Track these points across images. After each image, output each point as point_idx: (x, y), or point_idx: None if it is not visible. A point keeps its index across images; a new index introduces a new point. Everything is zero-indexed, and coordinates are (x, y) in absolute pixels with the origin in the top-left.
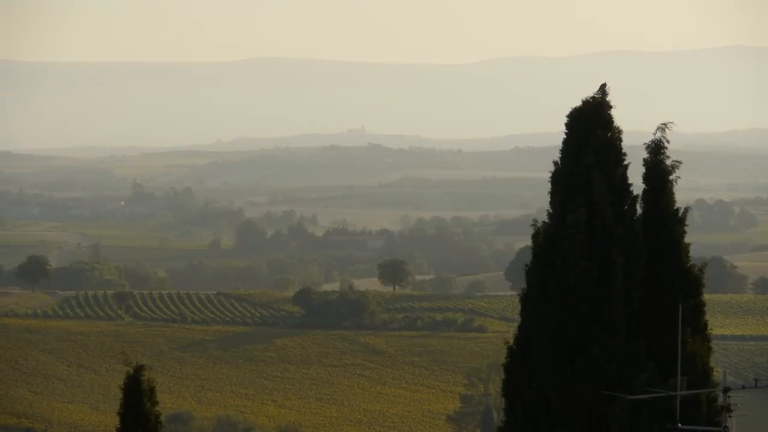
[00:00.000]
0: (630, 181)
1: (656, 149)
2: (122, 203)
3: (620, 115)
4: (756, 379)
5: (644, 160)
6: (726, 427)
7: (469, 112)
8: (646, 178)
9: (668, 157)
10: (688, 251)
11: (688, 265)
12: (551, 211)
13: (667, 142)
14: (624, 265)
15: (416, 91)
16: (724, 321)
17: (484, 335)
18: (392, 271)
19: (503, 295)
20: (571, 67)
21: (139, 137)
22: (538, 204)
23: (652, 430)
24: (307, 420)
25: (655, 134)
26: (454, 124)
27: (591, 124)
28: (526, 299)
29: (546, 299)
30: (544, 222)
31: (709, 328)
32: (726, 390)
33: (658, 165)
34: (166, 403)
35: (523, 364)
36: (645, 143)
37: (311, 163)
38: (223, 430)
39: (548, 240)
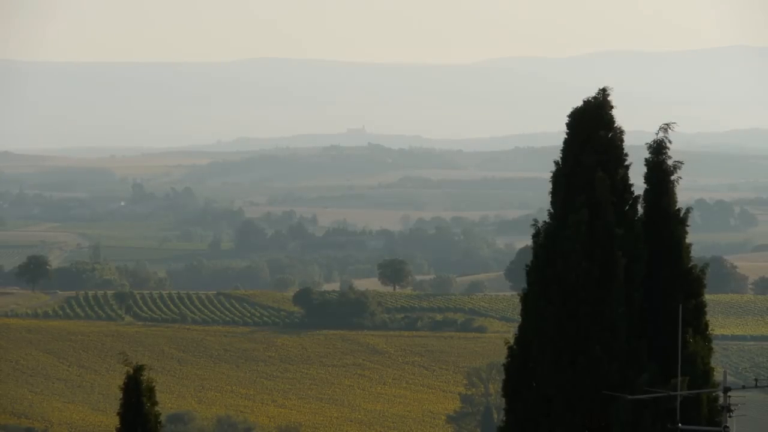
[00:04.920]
0: (631, 182)
1: (658, 149)
2: (122, 203)
3: (620, 115)
4: (756, 379)
5: (646, 160)
6: (726, 427)
7: (469, 112)
8: (648, 178)
9: (670, 158)
10: (689, 252)
11: (690, 265)
12: (552, 211)
13: (670, 142)
14: (625, 265)
15: (416, 91)
16: (725, 321)
17: (484, 335)
18: (392, 271)
19: (503, 295)
20: (571, 67)
21: (139, 137)
22: (539, 204)
23: (653, 430)
24: (307, 420)
25: (657, 134)
26: (454, 124)
27: (592, 124)
28: (526, 299)
29: (547, 299)
30: (544, 222)
31: (710, 329)
32: (726, 390)
33: (660, 165)
34: (167, 403)
35: (523, 364)
36: (647, 143)
37: (311, 163)
38: (223, 430)
39: (549, 240)
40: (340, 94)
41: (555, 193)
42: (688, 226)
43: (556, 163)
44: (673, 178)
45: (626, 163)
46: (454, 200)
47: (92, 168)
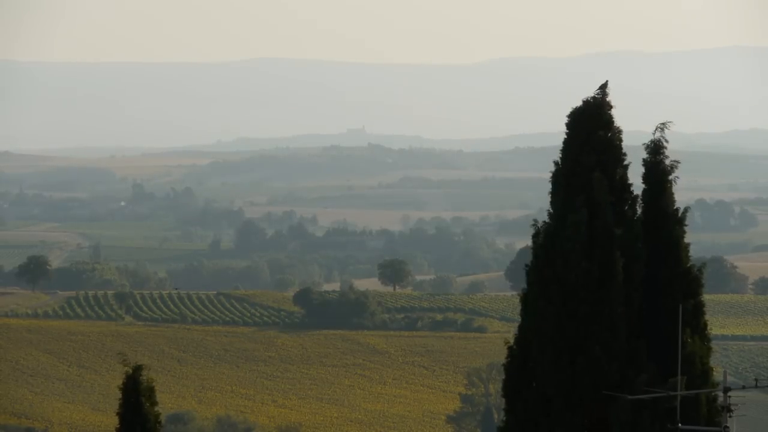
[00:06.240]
0: (630, 181)
1: (655, 149)
2: (122, 203)
3: (620, 115)
4: (756, 379)
5: (643, 160)
6: (726, 427)
7: (469, 112)
8: (646, 178)
9: (667, 157)
10: (687, 251)
11: (688, 265)
12: (552, 211)
13: (666, 141)
14: (624, 265)
15: (416, 91)
16: (725, 321)
17: (484, 335)
18: (392, 271)
19: (503, 295)
20: (571, 67)
21: (139, 137)
22: (539, 204)
23: (653, 430)
24: (307, 420)
25: (654, 134)
26: (454, 124)
27: (591, 124)
28: (526, 299)
29: (546, 299)
30: (544, 222)
31: (708, 329)
32: (726, 390)
33: (658, 165)
34: (167, 403)
35: (523, 364)
36: (644, 143)
37: (311, 163)
38: (224, 430)
39: (549, 240)
40: (340, 94)
41: (555, 193)
42: (686, 225)
43: (556, 163)
44: (670, 177)
45: (625, 162)
46: (454, 200)
47: (92, 168)
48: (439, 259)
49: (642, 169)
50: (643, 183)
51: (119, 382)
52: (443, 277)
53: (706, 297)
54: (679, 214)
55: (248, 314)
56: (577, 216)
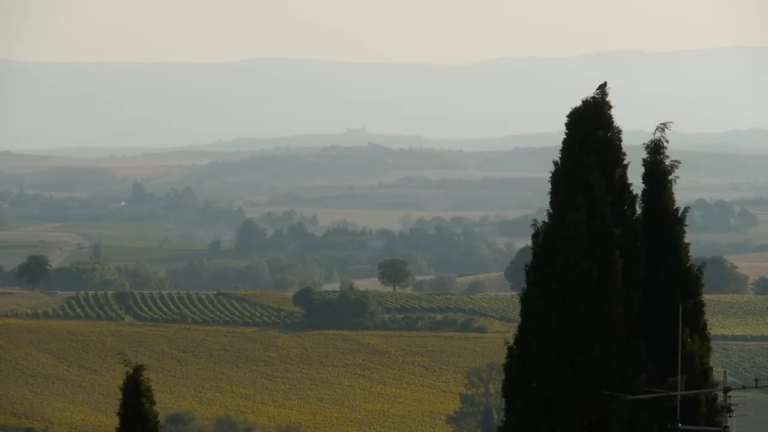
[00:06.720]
0: (629, 181)
1: (655, 149)
2: (122, 203)
3: (620, 115)
4: (756, 379)
5: (643, 160)
6: (726, 427)
7: (468, 112)
8: (646, 178)
9: (667, 157)
10: (687, 251)
11: (688, 265)
12: (551, 211)
13: (666, 141)
14: (624, 265)
15: (416, 91)
16: (725, 321)
17: (484, 335)
18: (392, 271)
19: (503, 295)
20: (571, 67)
21: (139, 137)
22: (539, 204)
23: (652, 430)
24: (307, 420)
25: (654, 134)
26: (454, 124)
27: (591, 124)
28: (526, 299)
29: (546, 299)
30: (544, 222)
31: (708, 328)
32: (726, 390)
33: (658, 165)
34: (167, 403)
35: (523, 364)
36: (644, 143)
37: (311, 163)
38: (224, 430)
39: (548, 240)
40: (340, 94)
41: (554, 193)
42: (686, 225)
43: (555, 163)
44: (670, 177)
45: (624, 162)
46: (454, 200)
47: (92, 168)
48: (439, 259)
49: (642, 169)
50: (643, 183)
51: (119, 382)
52: (443, 277)
53: (706, 297)
54: (679, 214)
55: (248, 314)
56: (576, 216)
